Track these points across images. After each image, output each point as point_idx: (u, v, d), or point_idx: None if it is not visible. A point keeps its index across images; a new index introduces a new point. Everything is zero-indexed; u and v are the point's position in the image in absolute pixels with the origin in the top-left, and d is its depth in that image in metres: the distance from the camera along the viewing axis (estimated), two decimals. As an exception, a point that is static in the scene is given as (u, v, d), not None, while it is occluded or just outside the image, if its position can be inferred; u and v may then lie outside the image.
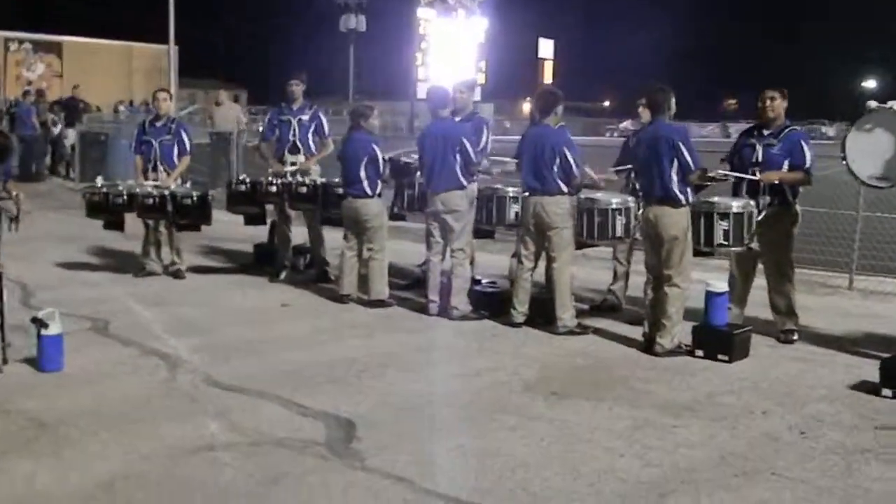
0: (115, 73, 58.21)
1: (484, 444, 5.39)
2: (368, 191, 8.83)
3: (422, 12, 56.69)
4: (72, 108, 23.34)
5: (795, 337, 7.80)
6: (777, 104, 7.78)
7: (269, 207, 10.31)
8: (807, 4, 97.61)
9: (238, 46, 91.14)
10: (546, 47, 40.86)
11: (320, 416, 5.74)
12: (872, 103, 7.31)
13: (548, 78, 39.66)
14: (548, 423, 5.72)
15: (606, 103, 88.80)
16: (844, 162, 7.27)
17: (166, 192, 9.68)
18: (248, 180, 10.10)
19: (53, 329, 6.57)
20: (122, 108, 40.73)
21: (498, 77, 60.97)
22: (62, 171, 22.82)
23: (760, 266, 8.03)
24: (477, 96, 62.05)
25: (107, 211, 9.79)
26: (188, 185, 10.18)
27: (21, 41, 56.16)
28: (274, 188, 9.76)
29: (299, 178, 9.70)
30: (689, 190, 7.42)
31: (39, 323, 6.57)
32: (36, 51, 56.57)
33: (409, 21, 57.41)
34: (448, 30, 57.35)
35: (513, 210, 8.56)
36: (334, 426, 5.59)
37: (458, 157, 8.35)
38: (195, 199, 9.72)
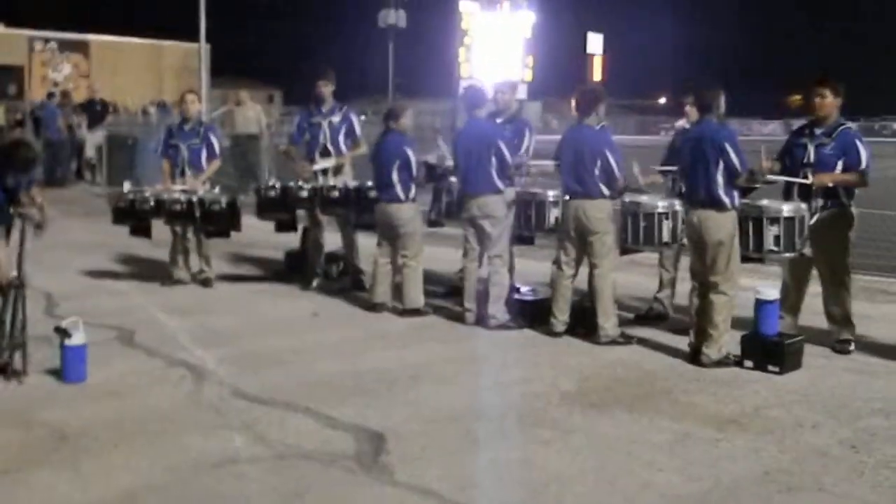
0: (144, 73, 59.11)
1: (517, 457, 5.51)
2: (401, 195, 8.98)
3: (464, 6, 56.83)
4: (92, 111, 23.55)
5: (852, 347, 7.82)
6: (828, 101, 7.80)
7: (301, 213, 10.45)
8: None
9: (272, 44, 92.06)
10: (595, 42, 40.86)
11: (349, 429, 5.88)
12: None
13: (597, 74, 39.65)
14: (584, 436, 5.82)
15: (662, 100, 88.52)
16: None
17: (194, 198, 9.87)
18: (278, 185, 10.21)
19: (77, 339, 6.78)
20: (151, 109, 41.37)
21: (545, 74, 61.02)
22: (88, 175, 23.17)
23: (815, 273, 8.05)
24: (523, 94, 62.24)
25: (133, 217, 10.01)
26: (217, 190, 10.37)
27: (47, 40, 57.24)
28: (305, 193, 9.90)
29: (331, 183, 9.85)
30: (735, 193, 7.46)
31: (63, 333, 6.78)
32: (62, 50, 57.62)
33: (451, 16, 57.57)
34: (492, 24, 57.45)
35: (552, 214, 8.67)
36: (363, 439, 5.72)
37: (493, 159, 8.47)
38: (224, 204, 9.90)
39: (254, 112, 19.55)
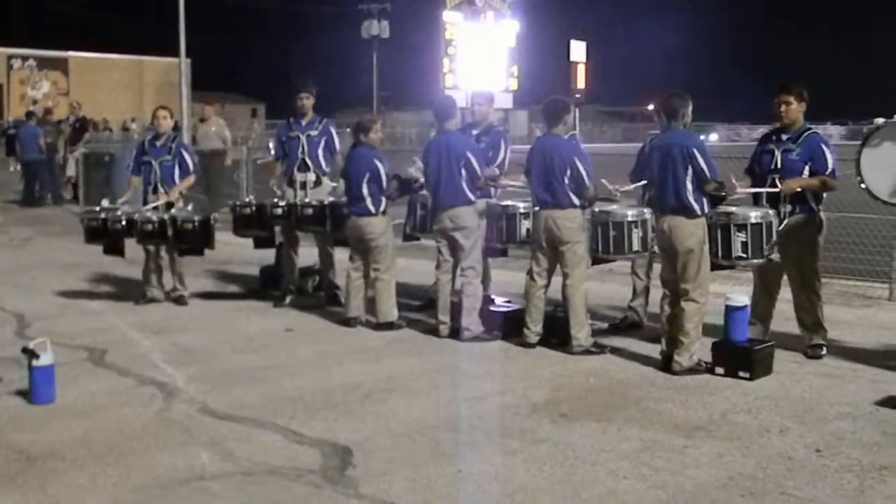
0: (124, 89, 59.24)
1: (483, 468, 5.60)
2: (372, 208, 9.07)
3: (448, 16, 57.01)
4: (71, 128, 23.47)
5: (823, 352, 7.93)
6: (793, 108, 7.92)
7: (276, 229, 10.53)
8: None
9: (255, 58, 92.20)
10: (578, 50, 41.08)
11: (316, 444, 5.97)
12: (880, 120, 7.49)
13: (580, 82, 39.86)
14: (552, 446, 5.91)
15: (650, 107, 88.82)
16: (863, 186, 7.43)
17: (166, 217, 9.95)
18: (253, 202, 10.31)
19: (45, 360, 6.84)
20: (133, 125, 41.36)
21: (532, 83, 61.20)
22: (68, 194, 23.15)
23: (787, 278, 8.17)
24: (509, 103, 62.51)
25: (106, 236, 10.08)
26: (190, 207, 10.44)
27: (25, 58, 57.39)
28: (280, 210, 10.00)
29: (306, 200, 9.95)
30: (704, 200, 7.57)
31: (30, 354, 6.84)
32: (41, 68, 57.77)
33: (434, 26, 57.75)
34: (476, 34, 57.64)
35: (524, 226, 8.76)
36: (330, 453, 5.81)
37: (463, 171, 8.58)
38: (196, 223, 9.96)
39: (217, 127, 19.44)
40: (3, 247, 14.66)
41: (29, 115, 25.20)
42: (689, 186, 7.50)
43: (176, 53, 29.89)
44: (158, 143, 10.53)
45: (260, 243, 10.70)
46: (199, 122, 19.74)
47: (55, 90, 57.00)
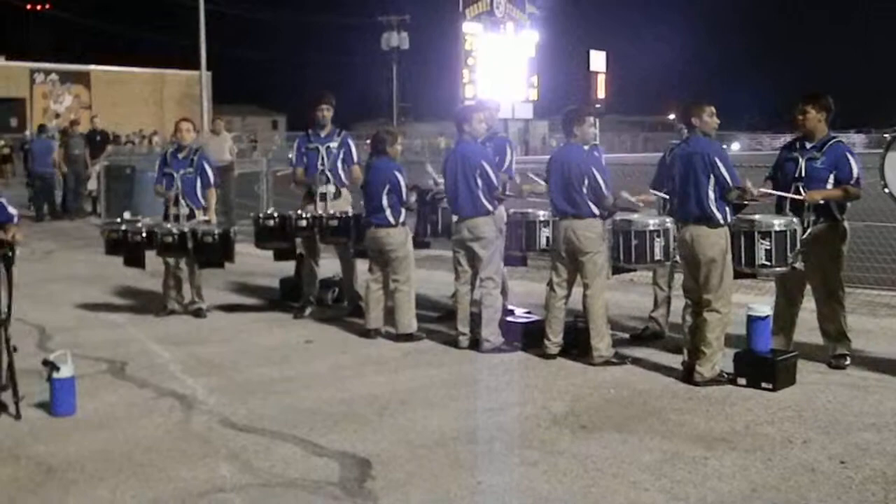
0: (145, 103, 59.62)
1: (503, 480, 5.57)
2: (391, 220, 9.08)
3: (467, 27, 57.18)
4: (92, 141, 23.41)
5: (847, 362, 7.87)
6: (811, 117, 7.88)
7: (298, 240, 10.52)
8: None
9: (276, 70, 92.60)
10: (598, 60, 41.13)
11: (335, 456, 5.96)
12: None
13: (600, 92, 39.84)
14: (572, 458, 5.88)
15: (671, 116, 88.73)
16: (886, 190, 7.37)
17: (187, 230, 9.99)
18: (276, 215, 10.30)
19: (65, 372, 6.87)
20: (154, 138, 41.62)
21: (552, 93, 61.27)
22: (89, 207, 23.23)
23: (809, 288, 8.11)
24: (530, 114, 62.57)
25: (126, 249, 10.12)
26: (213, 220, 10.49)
27: (48, 72, 57.84)
28: (304, 223, 10.00)
29: (330, 212, 9.96)
30: (727, 208, 7.54)
31: (51, 366, 6.87)
32: (63, 82, 58.20)
33: (454, 37, 57.87)
34: (496, 45, 57.74)
35: (544, 235, 8.75)
36: (349, 465, 5.80)
37: (479, 181, 8.57)
38: (216, 236, 9.99)
39: (227, 143, 19.46)
40: (26, 260, 14.67)
41: (42, 128, 25.26)
42: (712, 195, 7.47)
43: (197, 66, 30.02)
44: (181, 156, 10.56)
45: (280, 255, 10.72)
46: (211, 135, 19.58)
47: (77, 104, 57.39)
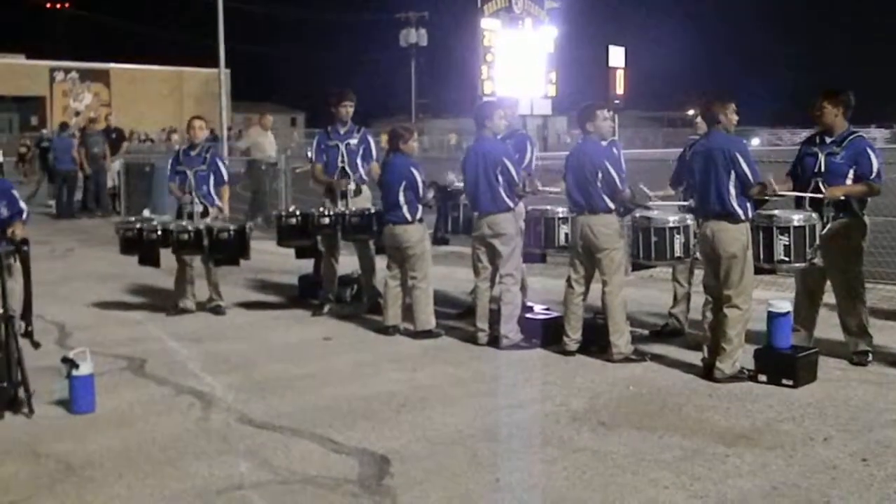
0: (164, 100, 59.86)
1: (522, 477, 5.57)
2: (408, 216, 9.07)
3: (486, 23, 56.96)
4: (108, 140, 23.44)
5: (869, 358, 7.82)
6: (828, 112, 7.82)
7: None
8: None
9: (294, 67, 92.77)
10: (616, 55, 40.98)
11: (354, 453, 5.96)
12: None
13: (620, 88, 39.70)
14: (591, 455, 5.86)
15: (691, 112, 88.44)
16: None
17: (202, 227, 10.00)
18: (298, 212, 10.30)
19: (84, 369, 6.89)
20: (174, 135, 41.79)
21: (571, 89, 61.06)
22: (109, 205, 23.27)
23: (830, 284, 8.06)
24: (548, 110, 62.39)
25: (141, 247, 10.14)
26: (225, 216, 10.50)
27: (67, 70, 58.13)
28: (326, 220, 9.99)
29: (352, 208, 9.96)
30: (748, 204, 7.50)
31: (70, 363, 6.89)
32: (83, 80, 58.48)
33: (472, 33, 57.75)
34: (515, 41, 57.57)
35: (563, 231, 8.73)
36: (367, 462, 5.80)
37: (500, 178, 8.56)
38: (232, 233, 9.99)
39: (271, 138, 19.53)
40: (46, 258, 14.77)
41: (63, 126, 25.35)
42: (733, 191, 7.42)
43: (215, 64, 30.03)
44: (193, 153, 10.58)
45: (302, 253, 10.71)
46: (261, 131, 19.41)
47: (97, 101, 57.66)
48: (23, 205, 7.56)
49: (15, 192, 7.50)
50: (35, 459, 5.97)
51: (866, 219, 7.88)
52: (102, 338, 9.16)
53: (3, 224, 7.42)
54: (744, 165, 7.43)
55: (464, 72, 59.62)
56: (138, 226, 10.20)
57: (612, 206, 8.08)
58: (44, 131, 38.09)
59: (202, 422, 6.71)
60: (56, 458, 5.97)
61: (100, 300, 11.35)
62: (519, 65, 56.82)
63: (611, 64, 40.82)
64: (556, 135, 63.73)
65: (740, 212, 7.45)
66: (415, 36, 65.36)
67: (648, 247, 8.08)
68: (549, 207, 8.90)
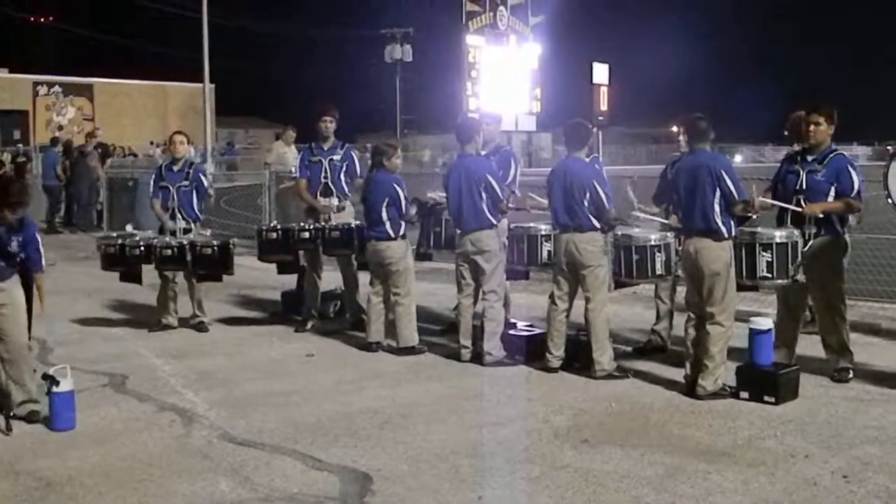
0: (148, 115, 59.67)
1: (505, 495, 5.57)
2: (391, 232, 9.08)
3: (471, 39, 57.10)
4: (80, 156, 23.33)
5: (850, 375, 7.84)
6: (822, 129, 7.86)
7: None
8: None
9: (278, 82, 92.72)
10: (601, 72, 41.13)
11: (336, 470, 5.95)
12: None
13: (604, 105, 39.83)
14: (574, 472, 5.86)
15: (675, 128, 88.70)
16: (890, 201, 7.34)
17: (185, 242, 9.96)
18: (279, 227, 10.31)
19: (65, 386, 6.86)
20: (157, 150, 41.63)
21: (555, 105, 61.22)
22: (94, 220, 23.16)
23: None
24: (533, 126, 62.54)
25: (123, 263, 10.10)
26: (209, 232, 10.46)
27: (51, 84, 57.89)
28: (307, 234, 9.98)
29: (333, 223, 9.96)
30: (732, 222, 7.52)
31: (50, 380, 6.86)
32: (66, 94, 58.23)
33: (457, 49, 57.88)
34: (499, 57, 57.75)
35: (545, 249, 8.73)
36: (349, 480, 5.80)
37: (483, 194, 8.57)
38: (215, 248, 9.97)
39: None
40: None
41: (54, 141, 25.27)
42: (717, 208, 7.45)
43: (200, 79, 30.01)
44: (175, 169, 10.52)
45: (284, 269, 10.69)
46: (283, 145, 19.04)
47: (80, 116, 57.49)
48: (44, 261, 7.48)
49: (38, 236, 7.42)
50: (14, 477, 5.94)
51: (847, 236, 7.92)
52: (84, 354, 9.13)
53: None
54: (729, 182, 7.46)
55: (448, 88, 59.72)
56: (120, 241, 10.17)
57: (596, 224, 8.10)
58: (19, 146, 37.85)
59: (183, 439, 6.69)
60: (35, 475, 5.94)
61: (82, 316, 11.30)
62: (503, 81, 56.96)
63: (595, 81, 40.98)
64: (531, 152, 63.81)
65: (724, 229, 7.48)
66: (400, 52, 65.43)
67: (630, 265, 8.10)
68: (532, 225, 8.89)
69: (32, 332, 9.70)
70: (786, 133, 8.70)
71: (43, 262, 7.43)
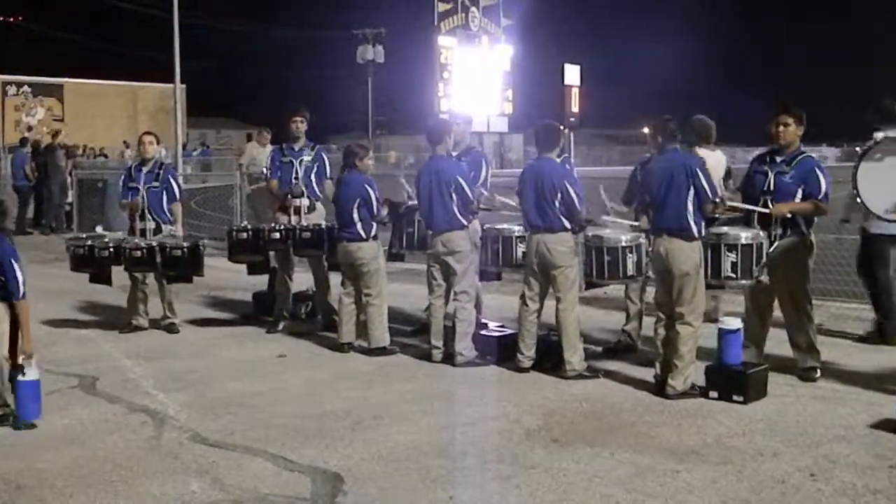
0: (119, 116, 59.35)
1: (475, 495, 5.60)
2: (362, 233, 9.08)
3: (443, 40, 57.24)
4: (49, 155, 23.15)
5: (817, 374, 7.93)
6: (791, 130, 7.95)
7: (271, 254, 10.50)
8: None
9: (249, 82, 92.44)
10: (572, 73, 41.21)
11: (307, 471, 5.95)
12: (879, 134, 7.50)
13: (575, 106, 39.94)
14: (544, 472, 5.89)
15: (645, 129, 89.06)
16: (858, 199, 7.41)
17: (155, 244, 9.92)
18: (249, 227, 10.29)
19: (30, 375, 6.84)
20: (127, 151, 41.39)
21: (527, 107, 61.34)
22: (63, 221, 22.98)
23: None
24: (505, 127, 62.71)
25: (92, 264, 10.05)
26: (179, 233, 10.43)
27: (20, 85, 57.51)
28: (278, 235, 9.98)
29: (304, 223, 9.96)
30: (702, 222, 7.58)
31: (19, 370, 6.83)
32: (36, 94, 57.86)
33: (429, 50, 57.95)
34: (471, 58, 57.87)
35: (519, 250, 8.76)
36: (321, 481, 5.80)
37: (454, 196, 8.60)
38: (185, 249, 9.92)
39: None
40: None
41: (23, 141, 25.07)
42: (690, 207, 7.50)
43: (170, 79, 29.83)
44: (145, 170, 10.44)
45: (254, 269, 10.66)
46: (258, 146, 18.87)
47: (50, 116, 57.08)
48: (22, 284, 7.23)
49: (15, 264, 7.23)
50: (-17, 479, 5.91)
51: (813, 237, 7.99)
52: (54, 355, 9.06)
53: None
54: (703, 181, 7.52)
55: (421, 89, 59.74)
56: (89, 243, 10.11)
57: (567, 225, 8.13)
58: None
59: (154, 440, 6.67)
60: (5, 477, 5.90)
61: (52, 317, 11.20)
62: (476, 82, 57.14)
63: (566, 82, 41.06)
64: (502, 153, 63.92)
65: (695, 228, 7.53)
66: (372, 53, 65.33)
67: (601, 266, 8.15)
68: (505, 226, 8.92)
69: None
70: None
71: (21, 288, 7.17)
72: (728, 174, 9.27)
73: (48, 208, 22.70)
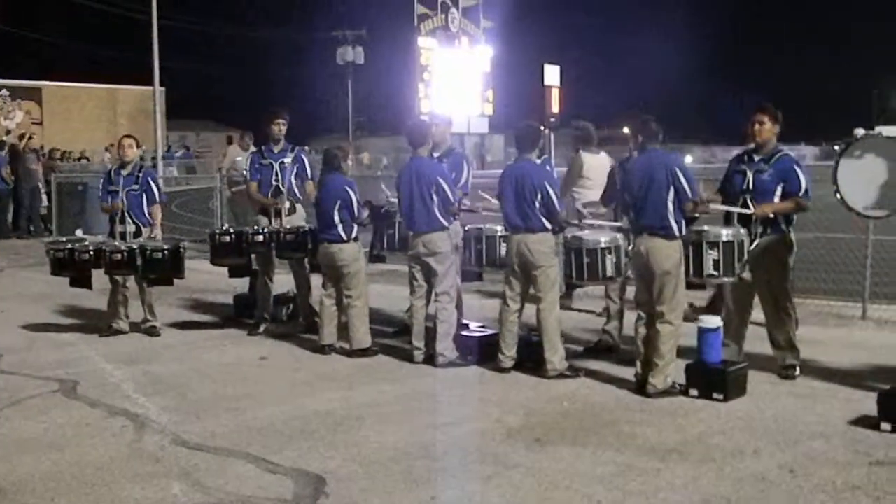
0: (98, 118, 59.06)
1: (457, 495, 5.60)
2: (343, 235, 9.09)
3: (423, 42, 57.30)
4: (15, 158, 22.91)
5: (797, 372, 7.97)
6: (767, 128, 7.99)
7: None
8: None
9: (229, 85, 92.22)
10: (552, 74, 41.26)
11: (289, 473, 5.94)
12: (860, 131, 7.55)
13: (555, 106, 39.99)
14: (525, 472, 5.90)
15: (626, 129, 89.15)
16: (838, 195, 7.45)
17: (135, 247, 9.89)
18: (232, 230, 10.27)
19: None
20: (106, 154, 41.18)
21: (507, 108, 61.42)
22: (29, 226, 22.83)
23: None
24: (485, 128, 62.76)
25: (72, 268, 10.01)
26: (158, 236, 10.40)
27: (-2, 88, 57.15)
28: (261, 237, 9.97)
29: (285, 226, 9.94)
30: (683, 221, 7.61)
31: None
32: (14, 97, 57.46)
33: (409, 51, 57.98)
34: (451, 59, 57.93)
35: (501, 250, 8.78)
36: (303, 482, 5.79)
37: (435, 197, 8.60)
38: (166, 252, 9.90)
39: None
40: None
41: (1, 144, 24.92)
42: (671, 206, 7.52)
43: (150, 82, 29.70)
44: (125, 172, 10.42)
45: (235, 272, 10.64)
46: (240, 150, 18.77)
47: (29, 119, 56.72)
48: None
49: None
50: (-37, 485, 5.88)
51: (793, 235, 8.04)
52: (34, 360, 9.04)
53: None
54: (684, 180, 7.55)
55: (401, 90, 59.75)
56: (69, 246, 10.07)
57: (548, 225, 8.15)
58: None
59: (135, 444, 6.64)
60: (-15, 482, 5.88)
61: (31, 321, 11.17)
62: (456, 83, 57.21)
63: (546, 82, 41.10)
64: (483, 154, 63.98)
65: (676, 227, 7.55)
66: (352, 54, 65.32)
67: (581, 267, 8.17)
68: (489, 226, 8.93)
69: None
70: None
71: None
72: (612, 175, 9.22)
73: (22, 212, 22.61)
